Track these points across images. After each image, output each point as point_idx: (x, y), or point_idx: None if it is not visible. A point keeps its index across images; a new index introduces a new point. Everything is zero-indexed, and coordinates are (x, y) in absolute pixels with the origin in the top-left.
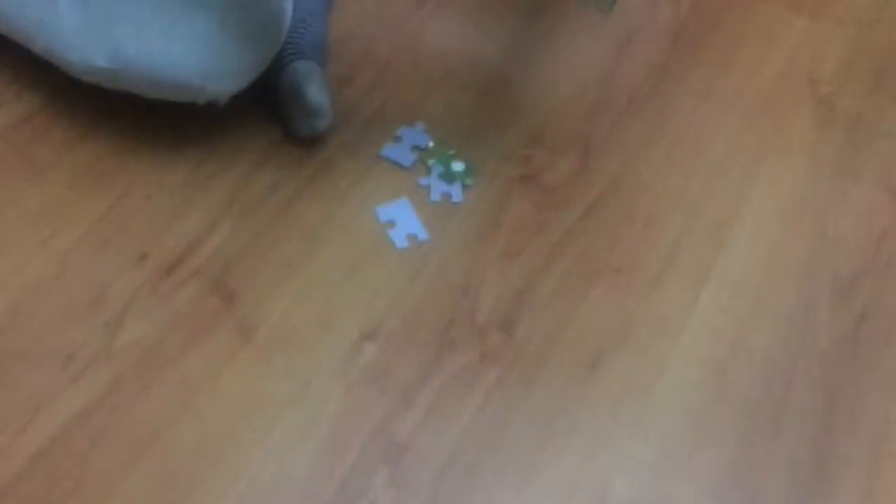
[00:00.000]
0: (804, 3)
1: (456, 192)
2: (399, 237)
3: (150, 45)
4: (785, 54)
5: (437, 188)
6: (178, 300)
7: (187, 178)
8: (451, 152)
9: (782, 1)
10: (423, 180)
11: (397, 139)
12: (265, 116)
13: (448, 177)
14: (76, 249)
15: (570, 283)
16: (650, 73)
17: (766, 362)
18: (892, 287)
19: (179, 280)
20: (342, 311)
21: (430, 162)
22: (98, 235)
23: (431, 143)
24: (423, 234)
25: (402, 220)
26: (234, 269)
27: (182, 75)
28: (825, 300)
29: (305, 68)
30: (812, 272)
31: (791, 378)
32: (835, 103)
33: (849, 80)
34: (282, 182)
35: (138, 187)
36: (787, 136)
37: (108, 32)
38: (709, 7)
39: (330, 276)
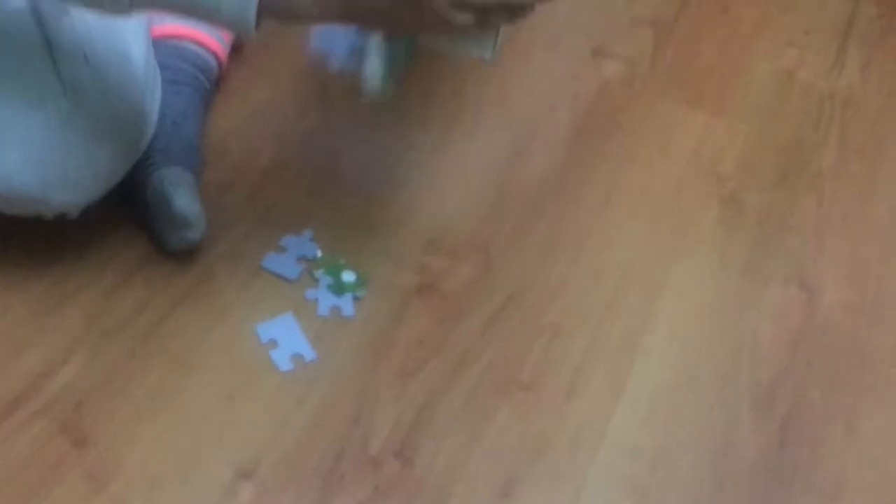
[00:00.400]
0: (703, 99)
1: (346, 305)
2: (282, 358)
3: None
4: (687, 151)
5: (326, 301)
6: (19, 444)
7: (37, 300)
8: (341, 262)
9: (681, 98)
10: (309, 293)
11: (281, 249)
12: (133, 227)
13: (338, 289)
14: None
15: (475, 402)
16: (551, 173)
17: (689, 479)
18: (814, 388)
19: (21, 421)
20: (214, 448)
21: (318, 273)
22: None
23: (319, 253)
24: (309, 354)
25: (286, 339)
26: (88, 405)
27: (20, 187)
28: (746, 408)
29: (174, 175)
30: (731, 379)
31: (717, 495)
32: (740, 199)
33: (753, 175)
34: (150, 301)
35: None
36: (694, 234)
37: None
38: (607, 106)
39: (201, 407)
